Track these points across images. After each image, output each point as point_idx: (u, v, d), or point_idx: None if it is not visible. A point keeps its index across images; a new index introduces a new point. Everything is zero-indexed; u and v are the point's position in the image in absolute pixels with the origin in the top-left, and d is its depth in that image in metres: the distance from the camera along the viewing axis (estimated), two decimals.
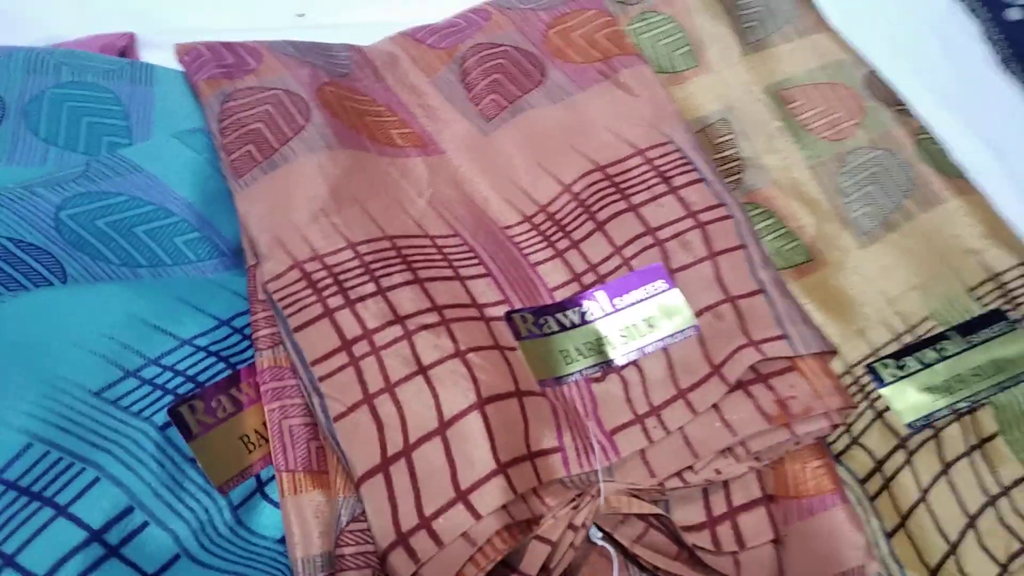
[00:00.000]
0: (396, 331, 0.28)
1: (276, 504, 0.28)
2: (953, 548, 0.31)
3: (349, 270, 0.29)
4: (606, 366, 0.31)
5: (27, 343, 0.26)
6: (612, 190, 0.34)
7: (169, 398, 0.27)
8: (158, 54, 0.42)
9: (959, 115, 0.48)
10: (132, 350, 0.27)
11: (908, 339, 0.36)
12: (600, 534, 0.28)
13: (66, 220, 0.29)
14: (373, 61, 0.40)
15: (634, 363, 0.31)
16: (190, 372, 0.28)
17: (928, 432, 0.33)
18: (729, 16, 0.46)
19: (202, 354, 0.28)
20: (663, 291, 0.32)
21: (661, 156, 0.35)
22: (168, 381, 0.27)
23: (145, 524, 0.25)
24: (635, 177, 0.34)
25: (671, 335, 0.31)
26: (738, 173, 0.41)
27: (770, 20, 0.46)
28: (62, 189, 0.30)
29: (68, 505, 0.24)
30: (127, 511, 0.25)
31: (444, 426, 0.26)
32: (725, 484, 0.29)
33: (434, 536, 0.24)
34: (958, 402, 0.34)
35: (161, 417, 0.27)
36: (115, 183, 0.31)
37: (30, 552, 0.23)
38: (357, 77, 0.38)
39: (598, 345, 0.31)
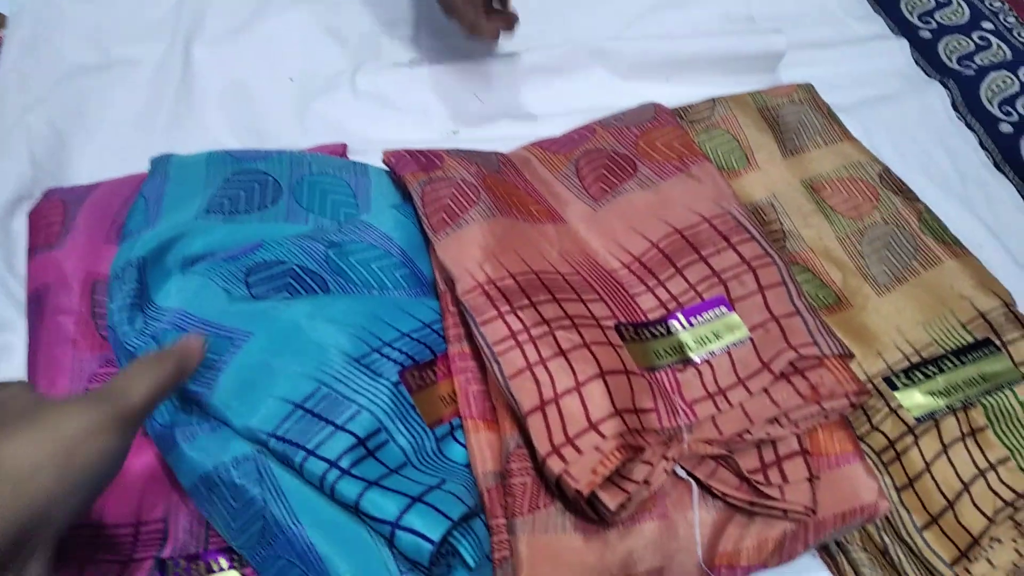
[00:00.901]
0: (544, 328, 0.42)
1: (461, 443, 0.41)
2: (951, 504, 0.41)
3: (511, 290, 0.44)
4: (686, 362, 0.44)
5: (311, 327, 0.42)
6: (686, 245, 0.48)
7: (397, 367, 0.41)
8: (360, 156, 0.60)
9: (960, 204, 0.60)
10: (374, 335, 0.42)
11: (915, 359, 0.47)
12: (684, 471, 0.40)
13: (331, 256, 0.46)
14: (514, 162, 0.56)
15: (706, 360, 0.44)
16: (408, 352, 0.42)
17: (930, 423, 0.44)
18: (772, 130, 0.60)
19: (415, 343, 0.43)
20: (726, 314, 0.45)
21: (722, 223, 0.49)
22: (395, 356, 0.42)
23: (387, 440, 0.39)
24: (703, 237, 0.49)
25: (732, 343, 0.44)
26: (782, 241, 0.54)
27: (804, 132, 0.61)
28: (326, 237, 0.47)
29: (343, 424, 0.38)
30: (377, 431, 0.39)
31: (579, 385, 0.39)
32: (773, 442, 0.41)
33: (576, 448, 0.37)
34: (954, 402, 0.45)
35: (394, 378, 0.41)
36: (358, 235, 0.47)
37: (323, 448, 0.37)
38: (505, 172, 0.54)
39: (680, 348, 0.44)
